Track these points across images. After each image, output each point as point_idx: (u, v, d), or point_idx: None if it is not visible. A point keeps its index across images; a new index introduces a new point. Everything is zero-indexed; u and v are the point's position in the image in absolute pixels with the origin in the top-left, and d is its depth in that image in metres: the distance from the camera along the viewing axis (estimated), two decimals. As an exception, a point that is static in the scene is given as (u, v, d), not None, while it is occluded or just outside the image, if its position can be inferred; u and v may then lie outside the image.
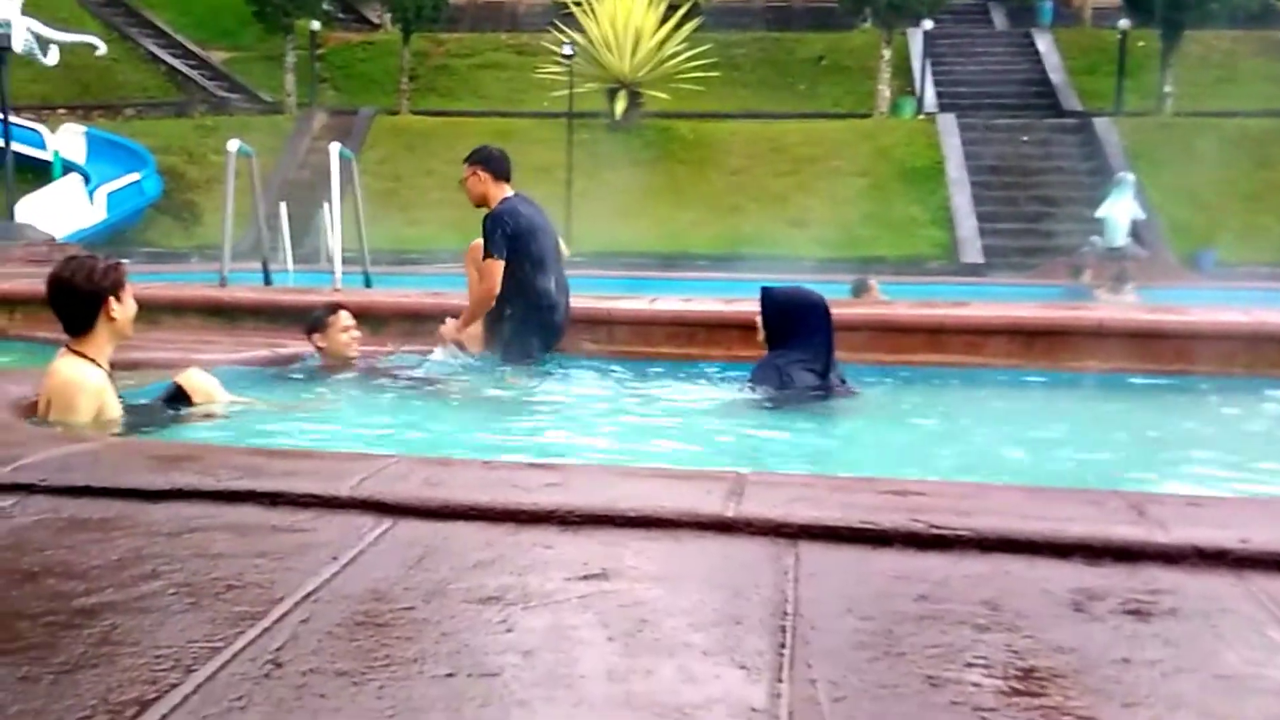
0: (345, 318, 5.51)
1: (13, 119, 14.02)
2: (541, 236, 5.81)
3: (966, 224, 16.93)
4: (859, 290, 8.59)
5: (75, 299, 3.79)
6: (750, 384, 4.97)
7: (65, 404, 3.73)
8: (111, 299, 3.80)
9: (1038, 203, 17.60)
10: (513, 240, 5.66)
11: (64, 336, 3.89)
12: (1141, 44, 20.22)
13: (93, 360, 3.83)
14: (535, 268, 5.71)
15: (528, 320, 5.73)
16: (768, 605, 1.69)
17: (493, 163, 5.88)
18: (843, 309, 5.75)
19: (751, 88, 22.38)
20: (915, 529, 1.96)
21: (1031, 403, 5.32)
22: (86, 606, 1.65)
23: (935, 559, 1.88)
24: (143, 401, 4.22)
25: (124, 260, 4.06)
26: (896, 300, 7.69)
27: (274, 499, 2.16)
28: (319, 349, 5.52)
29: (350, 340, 5.50)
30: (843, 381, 5.05)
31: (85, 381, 3.76)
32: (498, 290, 5.64)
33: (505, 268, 5.63)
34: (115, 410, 3.86)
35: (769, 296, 5.15)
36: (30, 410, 3.79)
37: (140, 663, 1.47)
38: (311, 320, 5.56)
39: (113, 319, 3.82)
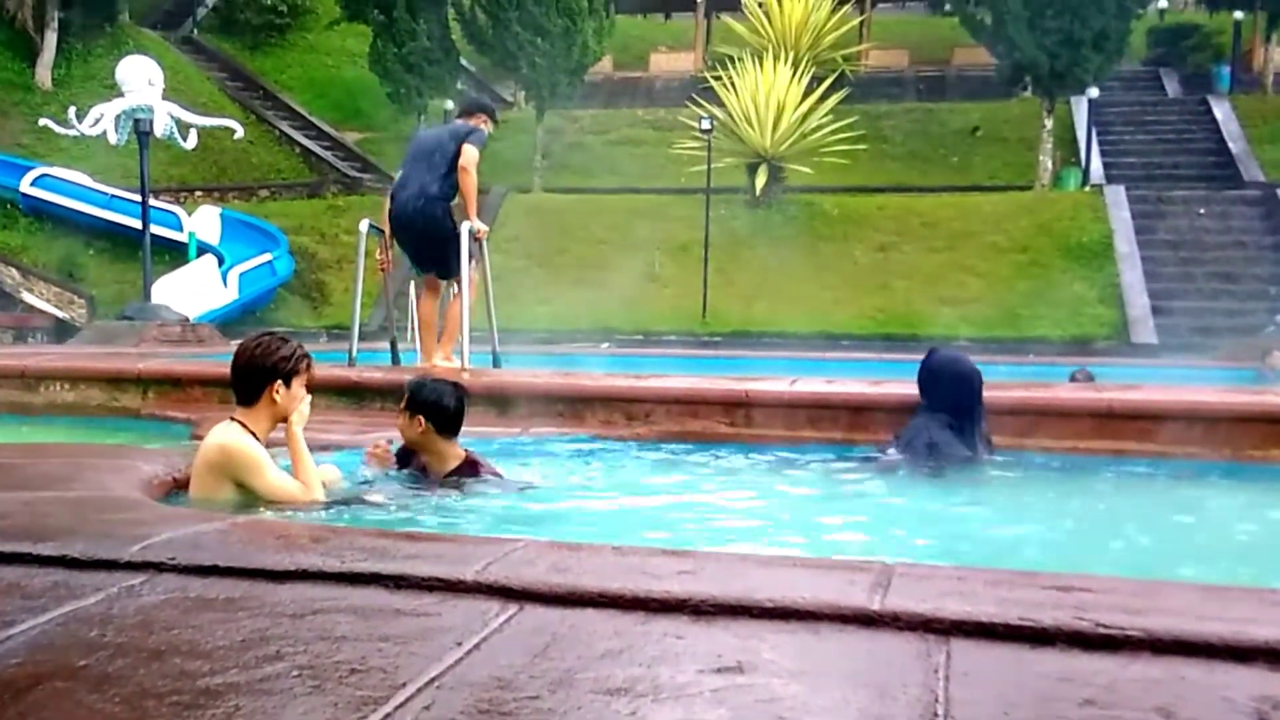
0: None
1: (151, 201, 14.83)
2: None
3: (1138, 302, 16.52)
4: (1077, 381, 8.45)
5: (247, 371, 4.12)
6: (895, 447, 5.18)
7: (231, 464, 4.00)
8: (279, 382, 4.09)
9: (1217, 279, 17.11)
10: None
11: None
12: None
13: (251, 432, 4.11)
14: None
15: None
16: (916, 705, 1.65)
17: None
18: (998, 391, 5.65)
19: (901, 160, 22.38)
20: (1080, 628, 1.90)
21: (1210, 495, 5.11)
22: (211, 687, 1.71)
23: (1102, 661, 1.82)
24: None
25: (308, 354, 4.26)
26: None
27: (398, 582, 2.20)
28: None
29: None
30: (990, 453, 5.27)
31: (241, 442, 4.03)
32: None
33: None
34: None
35: (928, 356, 5.46)
36: (172, 485, 4.03)
37: (262, 745, 1.51)
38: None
39: (274, 401, 4.10)
